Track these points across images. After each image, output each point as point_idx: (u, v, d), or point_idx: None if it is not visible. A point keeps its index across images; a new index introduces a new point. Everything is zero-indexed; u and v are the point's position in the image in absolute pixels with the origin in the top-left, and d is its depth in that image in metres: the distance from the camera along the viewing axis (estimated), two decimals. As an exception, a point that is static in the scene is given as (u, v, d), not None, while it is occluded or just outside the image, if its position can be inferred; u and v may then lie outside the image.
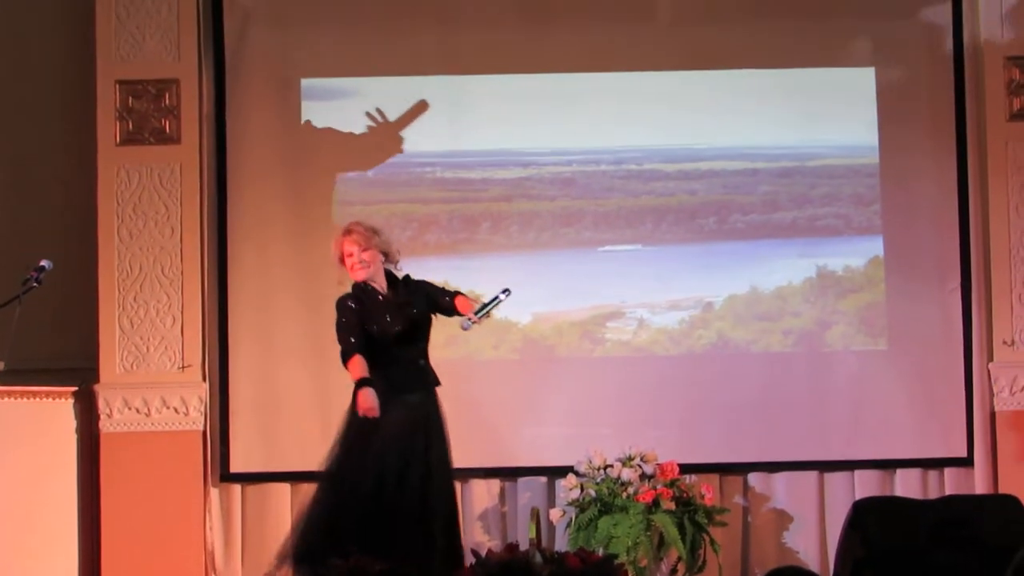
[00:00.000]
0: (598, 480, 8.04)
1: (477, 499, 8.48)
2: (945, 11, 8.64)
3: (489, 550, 6.64)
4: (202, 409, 8.33)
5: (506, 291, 7.09)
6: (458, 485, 7.61)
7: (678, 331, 8.65)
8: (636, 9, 8.68)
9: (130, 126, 8.40)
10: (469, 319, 7.05)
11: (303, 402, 8.46)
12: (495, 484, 8.47)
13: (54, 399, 7.88)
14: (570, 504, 8.08)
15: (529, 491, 8.47)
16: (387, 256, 7.30)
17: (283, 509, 8.44)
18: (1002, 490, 8.13)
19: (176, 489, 8.23)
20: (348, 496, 6.99)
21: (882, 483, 8.48)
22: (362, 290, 7.21)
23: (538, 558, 6.50)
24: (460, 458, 7.34)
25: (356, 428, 7.05)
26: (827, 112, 8.70)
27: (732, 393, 8.52)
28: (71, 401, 7.95)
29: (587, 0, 8.65)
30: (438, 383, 7.25)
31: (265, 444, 8.46)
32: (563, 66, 8.64)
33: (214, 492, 8.43)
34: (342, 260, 7.26)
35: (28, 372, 7.85)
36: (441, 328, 7.40)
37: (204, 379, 8.37)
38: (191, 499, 8.28)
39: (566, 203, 8.68)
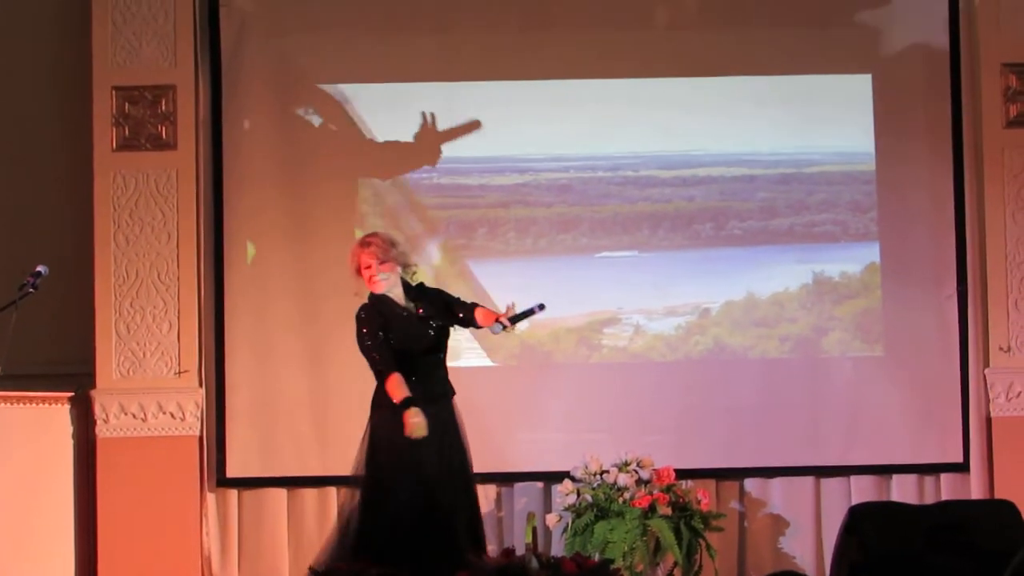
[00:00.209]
0: (594, 485, 8.04)
1: (474, 504, 8.49)
2: (942, 18, 8.65)
3: (486, 555, 6.64)
4: (198, 414, 8.33)
5: (541, 305, 7.12)
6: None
7: (675, 337, 8.65)
8: (633, 16, 8.68)
9: (126, 132, 8.40)
10: (503, 324, 7.06)
11: (299, 407, 8.47)
12: (492, 489, 8.46)
13: (51, 404, 7.87)
14: (566, 509, 8.08)
15: (525, 496, 8.48)
16: (405, 268, 7.28)
17: (279, 514, 8.45)
18: (998, 496, 8.13)
19: (172, 494, 8.23)
20: (397, 502, 6.98)
21: (878, 489, 8.49)
22: (381, 302, 7.17)
23: (534, 563, 6.52)
24: (457, 463, 7.35)
25: (387, 440, 7.04)
26: (824, 119, 8.71)
27: (729, 399, 8.53)
28: (67, 406, 7.94)
29: (585, 7, 8.66)
30: (454, 392, 7.25)
31: (261, 449, 8.47)
32: (560, 73, 8.65)
33: (210, 497, 8.43)
34: (359, 272, 7.20)
35: (25, 377, 7.82)
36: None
37: (200, 384, 8.37)
38: (187, 504, 8.28)
39: (563, 209, 8.69)
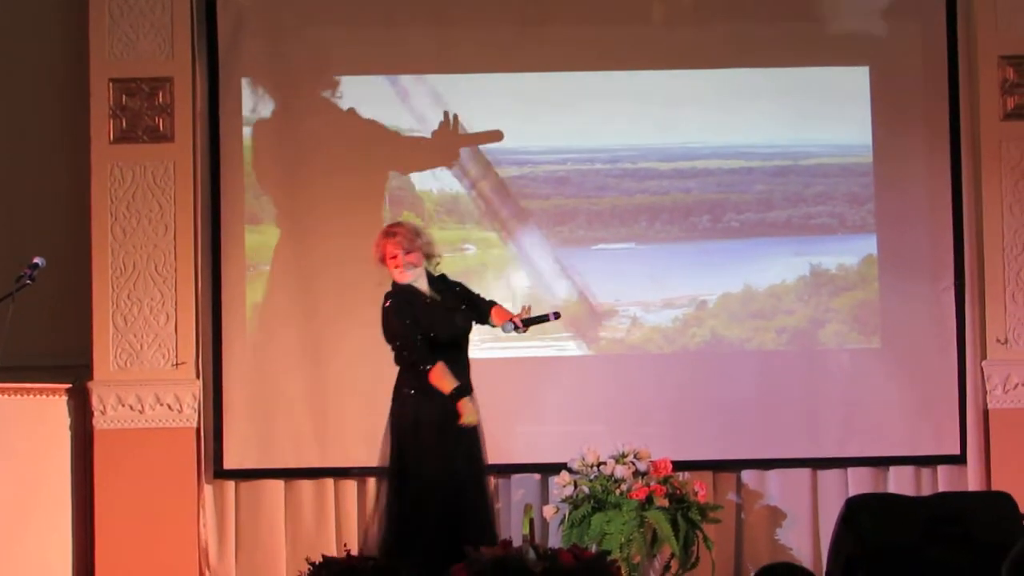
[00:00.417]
0: (591, 477, 8.04)
1: (471, 496, 8.49)
2: (939, 10, 8.64)
3: (483, 547, 6.64)
4: (196, 406, 8.33)
5: (556, 314, 7.15)
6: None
7: (672, 329, 8.66)
8: (630, 9, 8.67)
9: (123, 124, 8.40)
10: (516, 325, 7.07)
11: (297, 399, 8.46)
12: (489, 481, 8.45)
13: (48, 396, 7.86)
14: (564, 501, 8.08)
15: (523, 488, 8.47)
16: (429, 258, 7.25)
17: (277, 505, 8.45)
18: (995, 487, 8.13)
19: (170, 486, 8.23)
20: (426, 489, 6.99)
21: (875, 480, 8.49)
22: (408, 291, 7.14)
23: (532, 555, 6.51)
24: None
25: (411, 428, 7.04)
26: (821, 111, 8.70)
27: (726, 391, 8.53)
28: (65, 398, 7.92)
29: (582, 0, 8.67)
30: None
31: (259, 441, 8.46)
32: (558, 65, 8.63)
33: (208, 489, 8.42)
34: (383, 261, 7.16)
35: (22, 369, 7.82)
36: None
37: (198, 376, 8.36)
38: (185, 496, 8.28)
39: (560, 201, 8.68)
